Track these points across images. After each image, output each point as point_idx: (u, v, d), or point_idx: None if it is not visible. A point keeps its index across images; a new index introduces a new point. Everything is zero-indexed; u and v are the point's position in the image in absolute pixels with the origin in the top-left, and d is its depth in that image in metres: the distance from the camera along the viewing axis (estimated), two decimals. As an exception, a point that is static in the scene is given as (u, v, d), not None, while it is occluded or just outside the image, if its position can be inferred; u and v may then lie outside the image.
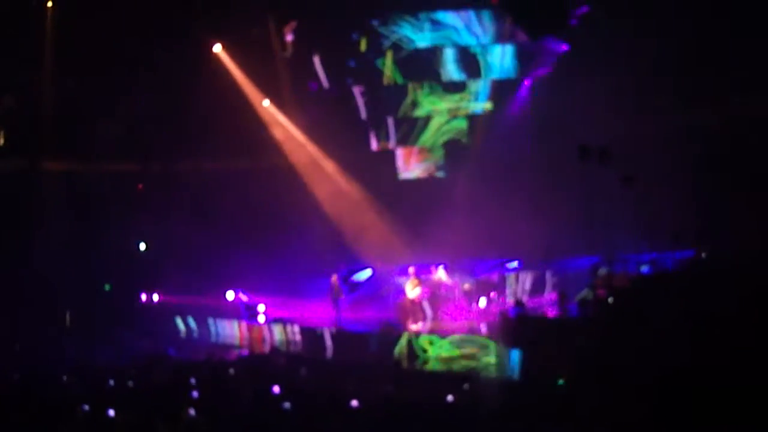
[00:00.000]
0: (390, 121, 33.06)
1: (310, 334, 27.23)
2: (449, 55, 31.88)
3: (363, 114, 32.86)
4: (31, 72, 30.93)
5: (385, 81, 32.25)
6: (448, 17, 31.33)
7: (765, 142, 24.86)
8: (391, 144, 33.39)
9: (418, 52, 31.92)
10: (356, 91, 32.74)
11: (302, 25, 32.16)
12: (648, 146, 26.09)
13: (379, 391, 16.39)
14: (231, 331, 29.81)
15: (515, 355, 18.80)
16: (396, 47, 31.89)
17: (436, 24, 31.54)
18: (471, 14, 30.82)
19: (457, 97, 32.47)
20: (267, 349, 27.09)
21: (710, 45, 25.78)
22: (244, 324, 29.36)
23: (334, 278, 28.21)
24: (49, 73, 31.01)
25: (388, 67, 32.02)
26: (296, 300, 31.03)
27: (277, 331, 28.03)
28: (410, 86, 32.46)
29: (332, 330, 26.88)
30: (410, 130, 33.21)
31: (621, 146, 21.20)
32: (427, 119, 32.98)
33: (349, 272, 32.61)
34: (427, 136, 33.22)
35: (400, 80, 32.21)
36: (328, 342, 26.28)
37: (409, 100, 32.64)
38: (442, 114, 32.86)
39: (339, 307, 28.34)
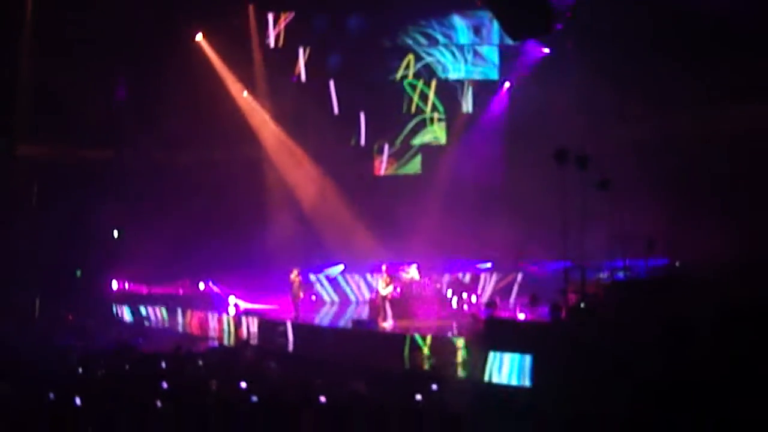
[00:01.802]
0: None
1: (276, 328, 27.12)
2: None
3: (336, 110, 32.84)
4: (8, 55, 30.67)
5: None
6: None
7: (740, 152, 25.04)
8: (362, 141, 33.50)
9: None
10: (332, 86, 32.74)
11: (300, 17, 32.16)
12: (624, 152, 26.24)
13: (349, 388, 16.35)
14: (201, 321, 29.65)
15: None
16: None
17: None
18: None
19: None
20: (236, 341, 26.96)
21: (689, 55, 25.93)
22: (214, 315, 29.22)
23: (295, 274, 27.81)
24: (26, 56, 30.79)
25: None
26: (267, 293, 31.01)
27: (246, 323, 27.90)
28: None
29: (299, 324, 26.75)
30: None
31: (597, 152, 21.27)
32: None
33: (319, 267, 32.66)
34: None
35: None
36: (291, 336, 26.13)
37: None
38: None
39: (298, 304, 28.01)
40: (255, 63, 32.84)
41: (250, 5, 32.32)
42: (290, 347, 25.52)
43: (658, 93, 27.49)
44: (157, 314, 31.13)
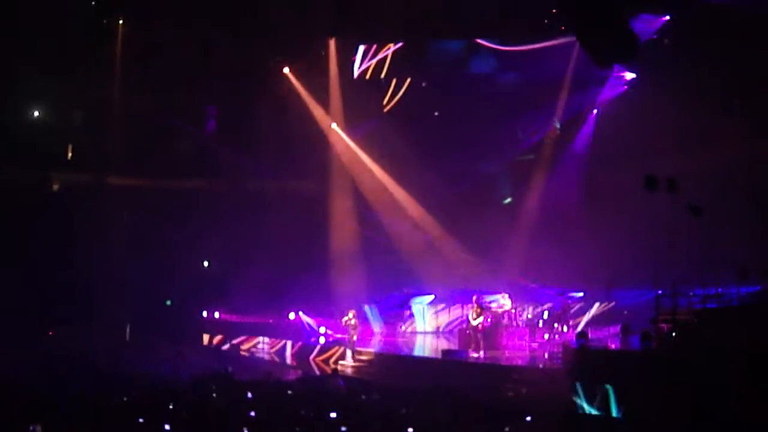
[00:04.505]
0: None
1: (369, 358, 27.19)
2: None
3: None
4: (101, 88, 31.43)
5: None
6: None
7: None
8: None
9: None
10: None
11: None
12: (715, 177, 25.76)
13: (437, 418, 16.25)
14: (291, 351, 29.80)
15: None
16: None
17: None
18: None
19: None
20: (327, 370, 27.03)
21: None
22: (305, 345, 29.35)
23: (350, 317, 27.53)
24: (118, 89, 31.48)
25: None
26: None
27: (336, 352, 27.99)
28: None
29: (388, 354, 26.72)
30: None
31: (688, 177, 20.89)
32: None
33: (408, 297, 32.64)
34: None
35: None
36: (390, 366, 26.13)
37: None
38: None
39: (354, 342, 27.50)
40: (342, 95, 33.01)
41: (331, 38, 32.54)
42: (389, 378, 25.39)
43: (748, 114, 26.98)
44: (247, 343, 31.34)
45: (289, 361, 29.43)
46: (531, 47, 30.34)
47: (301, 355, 29.09)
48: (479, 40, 31.63)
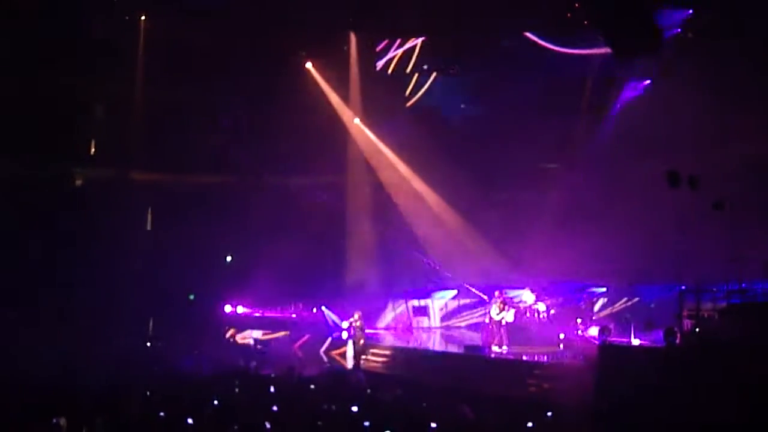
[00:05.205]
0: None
1: (391, 353, 27.22)
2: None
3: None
4: (122, 83, 31.56)
5: None
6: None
7: None
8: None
9: None
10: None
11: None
12: (738, 172, 25.52)
13: (458, 413, 16.21)
14: (314, 345, 29.86)
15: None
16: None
17: None
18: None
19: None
20: (349, 365, 27.06)
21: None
22: (327, 340, 29.41)
23: (355, 318, 27.45)
24: (140, 84, 31.60)
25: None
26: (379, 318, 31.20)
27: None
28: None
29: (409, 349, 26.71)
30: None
31: (711, 172, 20.77)
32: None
33: (430, 292, 32.62)
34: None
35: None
36: (412, 361, 26.14)
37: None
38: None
39: (356, 348, 27.09)
40: (364, 89, 32.99)
41: (352, 32, 32.53)
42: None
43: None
44: (269, 338, 31.41)
45: (311, 355, 29.46)
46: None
47: (323, 350, 29.16)
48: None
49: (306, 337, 30.32)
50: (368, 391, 19.58)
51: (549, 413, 16.72)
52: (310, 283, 31.13)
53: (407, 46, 32.92)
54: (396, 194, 33.68)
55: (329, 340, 29.48)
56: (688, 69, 27.15)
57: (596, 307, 29.91)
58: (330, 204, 33.38)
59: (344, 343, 27.88)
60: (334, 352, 28.73)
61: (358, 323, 26.88)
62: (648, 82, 30.43)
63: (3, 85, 28.94)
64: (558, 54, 30.84)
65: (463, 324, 32.98)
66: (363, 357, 26.82)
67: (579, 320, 28.13)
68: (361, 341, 26.88)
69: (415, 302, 33.34)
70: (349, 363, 26.67)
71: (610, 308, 30.19)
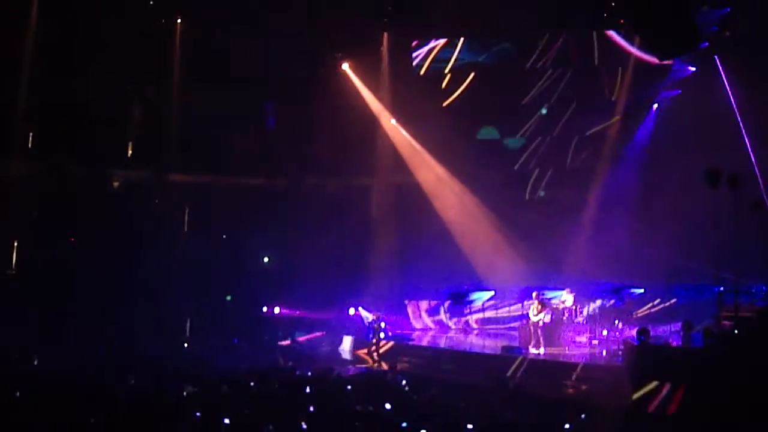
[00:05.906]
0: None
1: (428, 354, 27.19)
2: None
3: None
4: (159, 85, 31.81)
5: None
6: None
7: None
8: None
9: None
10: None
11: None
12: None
13: (496, 415, 16.18)
14: (350, 346, 29.89)
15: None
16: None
17: None
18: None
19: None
20: (385, 366, 27.06)
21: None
22: (364, 340, 29.44)
23: (375, 318, 27.36)
24: (177, 86, 31.77)
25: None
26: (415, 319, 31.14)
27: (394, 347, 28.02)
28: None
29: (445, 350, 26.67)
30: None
31: (750, 171, 20.62)
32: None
33: (467, 294, 32.55)
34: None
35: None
36: (448, 362, 26.12)
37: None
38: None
39: (377, 347, 27.64)
40: (401, 90, 32.95)
41: (385, 33, 32.52)
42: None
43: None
44: (307, 338, 31.49)
45: (348, 356, 29.50)
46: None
47: (360, 351, 29.21)
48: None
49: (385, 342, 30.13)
50: (406, 390, 19.63)
51: (583, 415, 16.68)
52: (347, 283, 31.15)
53: (441, 44, 32.83)
54: (433, 195, 33.62)
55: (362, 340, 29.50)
56: (727, 67, 26.95)
57: (634, 308, 29.68)
58: (366, 204, 33.39)
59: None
60: (361, 351, 28.75)
61: (375, 325, 27.47)
62: (687, 77, 30.18)
63: (41, 88, 29.24)
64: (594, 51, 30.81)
65: (500, 325, 32.84)
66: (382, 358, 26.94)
67: (617, 321, 27.99)
68: (381, 344, 27.37)
69: (451, 302, 33.22)
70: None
71: (648, 309, 29.98)
